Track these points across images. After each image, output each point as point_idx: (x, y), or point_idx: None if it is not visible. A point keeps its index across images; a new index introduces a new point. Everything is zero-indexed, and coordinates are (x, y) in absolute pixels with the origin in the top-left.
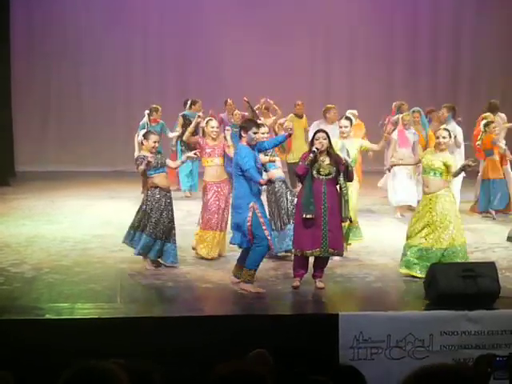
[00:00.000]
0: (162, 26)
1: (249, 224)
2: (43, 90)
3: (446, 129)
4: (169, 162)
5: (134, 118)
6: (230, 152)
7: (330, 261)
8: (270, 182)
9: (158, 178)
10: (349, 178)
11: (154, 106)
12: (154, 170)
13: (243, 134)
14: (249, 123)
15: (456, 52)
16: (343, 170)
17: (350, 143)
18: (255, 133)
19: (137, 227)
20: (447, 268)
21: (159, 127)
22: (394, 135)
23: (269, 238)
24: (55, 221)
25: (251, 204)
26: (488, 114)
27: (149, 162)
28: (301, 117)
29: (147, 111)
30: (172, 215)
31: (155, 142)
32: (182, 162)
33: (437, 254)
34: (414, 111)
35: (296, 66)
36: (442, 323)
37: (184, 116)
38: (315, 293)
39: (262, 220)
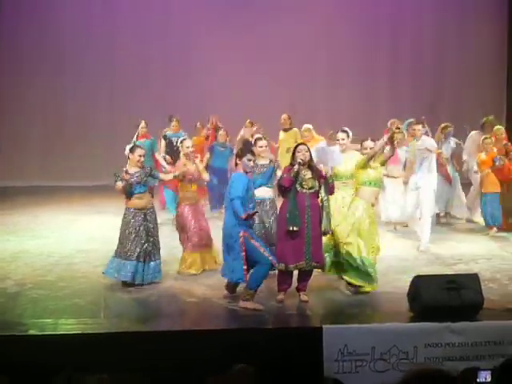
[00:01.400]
0: (146, 40)
1: (243, 254)
2: (24, 104)
3: (343, 130)
4: (162, 176)
5: (117, 132)
6: (205, 176)
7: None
8: (250, 217)
9: (135, 201)
10: (329, 190)
11: (139, 120)
12: (137, 186)
13: (238, 161)
14: (243, 150)
15: (439, 65)
16: (323, 183)
17: (348, 156)
18: (249, 159)
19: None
20: (431, 280)
21: (148, 144)
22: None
23: (270, 258)
24: (39, 236)
25: (241, 233)
26: (499, 127)
27: (125, 180)
28: (287, 130)
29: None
30: (151, 233)
31: (140, 156)
32: (175, 177)
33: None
34: (410, 122)
35: (279, 81)
36: (426, 335)
37: (165, 137)
38: (299, 306)
39: (256, 244)
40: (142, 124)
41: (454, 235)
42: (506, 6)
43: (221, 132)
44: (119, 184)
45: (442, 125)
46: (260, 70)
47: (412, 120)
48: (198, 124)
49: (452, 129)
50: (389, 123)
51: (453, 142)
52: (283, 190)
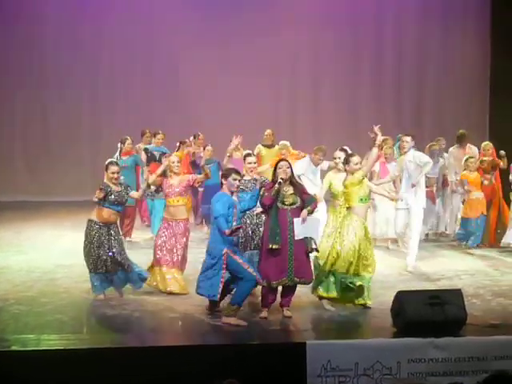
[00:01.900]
0: (129, 54)
1: (223, 272)
2: (8, 119)
3: (341, 149)
4: (133, 194)
5: (102, 147)
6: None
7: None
8: (235, 232)
9: (102, 213)
10: (312, 208)
11: (124, 137)
12: (108, 203)
13: (224, 182)
14: (229, 170)
15: (422, 77)
16: (306, 199)
17: (341, 177)
18: (235, 179)
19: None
20: (414, 296)
21: (131, 160)
22: (376, 167)
23: (254, 274)
24: (23, 251)
25: (225, 250)
26: (487, 142)
27: (102, 193)
28: (270, 146)
29: (120, 144)
30: (117, 248)
31: (113, 173)
32: (144, 191)
33: None
34: (400, 137)
35: (262, 95)
36: (409, 351)
37: (146, 150)
38: (283, 321)
39: (240, 261)
40: (129, 141)
41: (437, 251)
42: (488, 18)
43: (207, 148)
44: (99, 193)
45: (428, 144)
46: (241, 84)
47: (401, 135)
48: (187, 140)
49: (437, 146)
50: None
51: (442, 160)
52: (265, 207)
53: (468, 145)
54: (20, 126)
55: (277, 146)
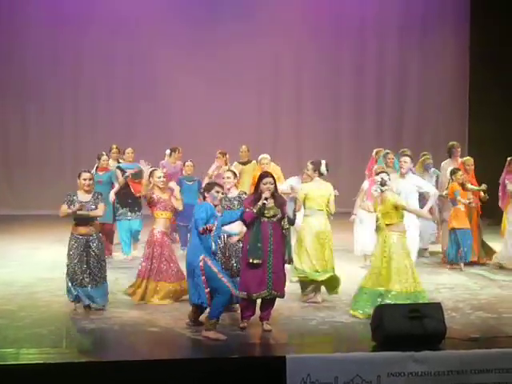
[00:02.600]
0: (110, 66)
1: (203, 278)
2: None
3: (311, 162)
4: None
5: (80, 161)
6: (179, 205)
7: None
8: (207, 230)
9: (78, 228)
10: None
11: (100, 153)
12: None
13: (206, 195)
14: (211, 184)
15: (401, 92)
16: (286, 213)
17: (311, 185)
18: (218, 191)
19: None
20: (394, 309)
21: (107, 176)
22: (365, 184)
23: (228, 284)
24: (1, 265)
25: (201, 257)
26: (468, 157)
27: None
28: (245, 163)
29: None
30: (94, 259)
31: (85, 180)
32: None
33: None
34: (387, 153)
35: (243, 108)
36: (389, 364)
37: (119, 168)
38: (262, 335)
39: (215, 270)
40: (105, 157)
41: (416, 265)
42: (467, 33)
43: (188, 163)
44: (65, 208)
45: (421, 159)
46: (223, 99)
47: (388, 151)
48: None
49: (431, 160)
50: (374, 152)
51: (435, 173)
52: (246, 223)
53: (459, 159)
54: None
55: (252, 162)
